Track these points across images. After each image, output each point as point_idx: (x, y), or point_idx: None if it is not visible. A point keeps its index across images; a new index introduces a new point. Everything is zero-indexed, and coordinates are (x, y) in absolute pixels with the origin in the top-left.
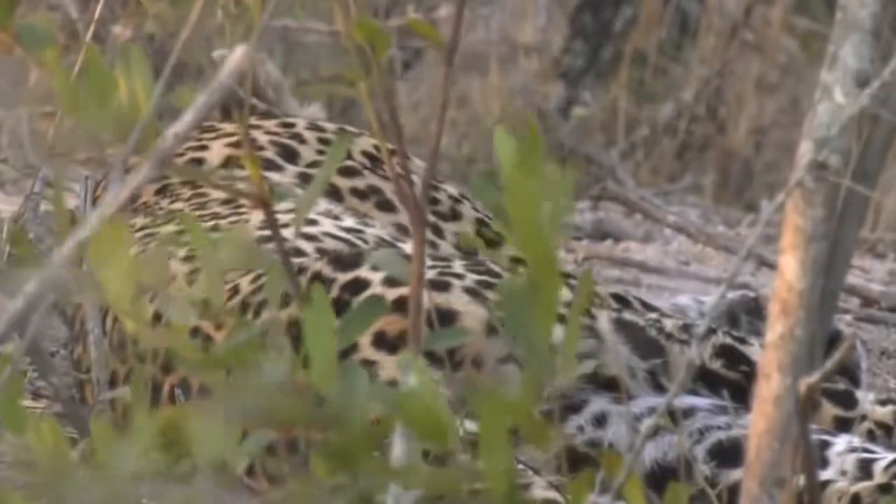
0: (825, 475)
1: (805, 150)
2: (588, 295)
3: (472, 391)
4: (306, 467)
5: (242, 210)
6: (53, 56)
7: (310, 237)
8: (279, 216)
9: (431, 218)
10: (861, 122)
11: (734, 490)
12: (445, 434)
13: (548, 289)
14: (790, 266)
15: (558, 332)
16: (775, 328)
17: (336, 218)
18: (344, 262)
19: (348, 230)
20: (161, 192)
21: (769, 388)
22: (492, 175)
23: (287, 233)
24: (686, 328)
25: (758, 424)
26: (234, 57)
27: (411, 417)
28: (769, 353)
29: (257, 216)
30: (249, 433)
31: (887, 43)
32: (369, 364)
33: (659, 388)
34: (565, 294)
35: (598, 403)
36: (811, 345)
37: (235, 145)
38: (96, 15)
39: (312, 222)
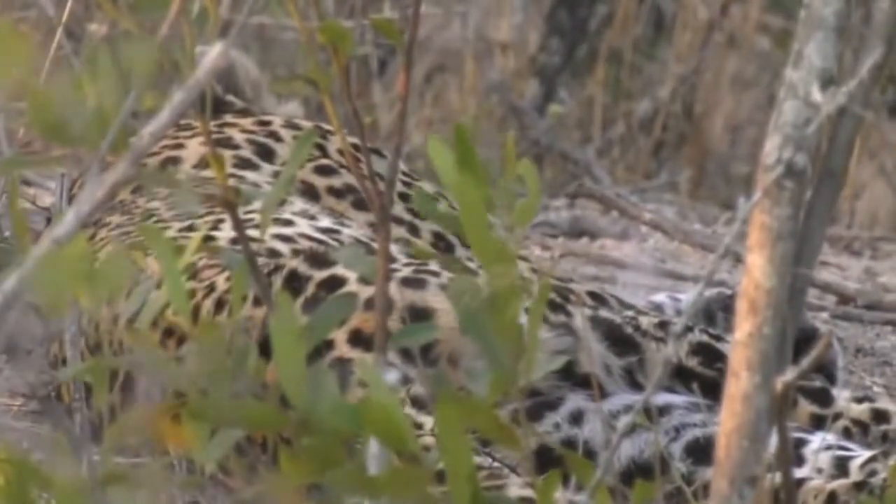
0: (801, 473)
1: (771, 149)
2: (545, 298)
3: (439, 391)
4: (276, 466)
5: (218, 209)
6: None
7: (285, 238)
8: (253, 216)
9: (407, 216)
10: (826, 118)
11: (710, 487)
12: (405, 440)
13: (507, 296)
14: (757, 264)
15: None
16: (743, 327)
17: (312, 218)
18: (320, 259)
19: (324, 231)
20: (138, 190)
21: (738, 386)
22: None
23: (257, 233)
24: (662, 326)
25: (727, 423)
26: (211, 55)
27: (372, 427)
28: (738, 351)
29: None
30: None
31: (860, 39)
32: (344, 362)
33: (635, 386)
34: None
35: (575, 401)
36: (780, 343)
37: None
38: (65, 13)
39: (288, 223)
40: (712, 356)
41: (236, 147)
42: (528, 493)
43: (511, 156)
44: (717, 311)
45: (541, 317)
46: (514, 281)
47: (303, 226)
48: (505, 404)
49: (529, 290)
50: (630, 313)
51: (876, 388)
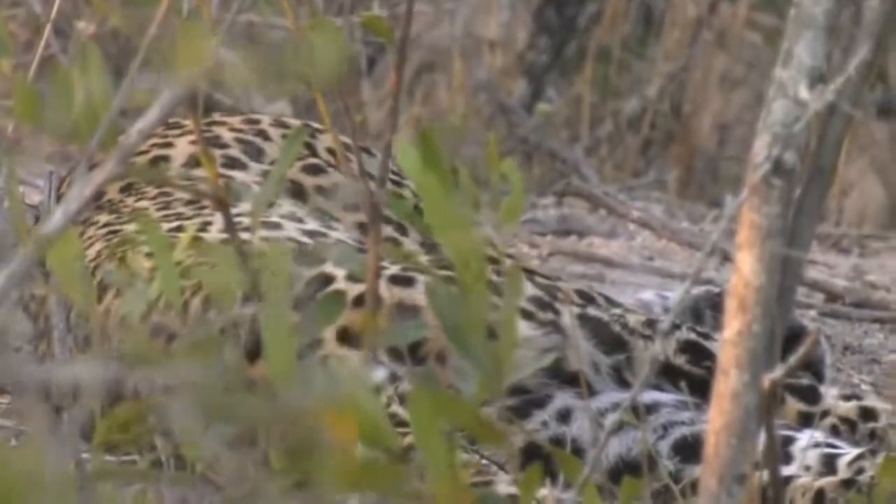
0: (788, 470)
1: (760, 147)
2: (518, 294)
3: (421, 390)
4: (266, 462)
5: (206, 210)
6: (8, 65)
7: (272, 242)
8: (241, 217)
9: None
10: (815, 116)
11: (698, 485)
12: (383, 437)
13: (477, 295)
14: (746, 262)
15: (523, 327)
16: (732, 325)
17: (299, 221)
18: (309, 257)
19: (311, 234)
20: (126, 189)
21: (727, 384)
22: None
23: (247, 236)
24: (650, 324)
25: (716, 421)
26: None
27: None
28: (727, 349)
29: (220, 216)
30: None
31: (849, 37)
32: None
33: (623, 384)
34: (529, 290)
35: (563, 399)
36: (769, 341)
37: None
38: (54, 11)
39: (276, 226)
40: (700, 354)
41: (225, 146)
42: (517, 490)
43: (494, 155)
44: (705, 309)
45: (516, 312)
46: (484, 281)
47: (290, 229)
48: (493, 402)
49: (533, 281)
50: (618, 311)
51: (864, 386)
